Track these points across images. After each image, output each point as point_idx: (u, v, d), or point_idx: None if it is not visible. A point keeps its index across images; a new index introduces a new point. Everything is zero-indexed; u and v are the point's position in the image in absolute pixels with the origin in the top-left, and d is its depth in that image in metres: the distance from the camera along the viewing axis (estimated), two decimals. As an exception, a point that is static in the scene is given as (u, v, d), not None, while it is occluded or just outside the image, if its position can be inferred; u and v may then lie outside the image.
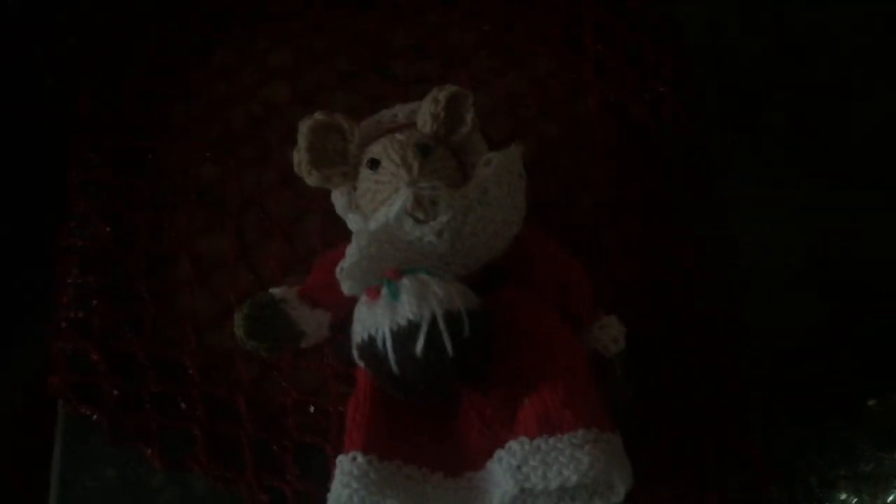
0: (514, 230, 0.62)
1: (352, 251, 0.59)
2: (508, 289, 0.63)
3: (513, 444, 0.57)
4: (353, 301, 0.59)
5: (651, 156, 0.75)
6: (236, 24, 0.80)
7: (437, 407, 0.61)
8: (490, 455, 0.59)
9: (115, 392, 0.66)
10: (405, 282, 0.57)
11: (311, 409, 0.66)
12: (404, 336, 0.55)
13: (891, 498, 0.63)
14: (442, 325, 0.55)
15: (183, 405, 0.66)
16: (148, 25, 0.80)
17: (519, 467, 0.56)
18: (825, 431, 0.73)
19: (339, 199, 0.64)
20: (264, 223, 0.72)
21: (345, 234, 0.62)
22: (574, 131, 0.76)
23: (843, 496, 0.67)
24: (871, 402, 0.71)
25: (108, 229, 0.71)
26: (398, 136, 0.62)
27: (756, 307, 0.74)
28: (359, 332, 0.58)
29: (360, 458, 0.57)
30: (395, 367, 0.56)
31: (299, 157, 0.62)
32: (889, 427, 0.68)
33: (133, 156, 0.74)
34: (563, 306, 0.64)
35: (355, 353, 0.58)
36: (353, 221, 0.63)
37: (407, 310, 0.55)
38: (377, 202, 0.61)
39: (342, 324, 0.62)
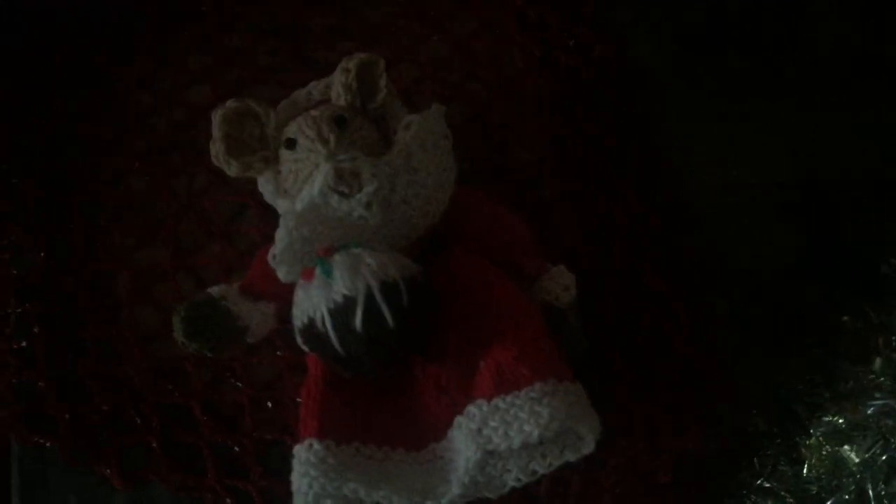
0: (447, 193, 0.61)
1: (280, 235, 0.57)
2: (452, 252, 0.62)
3: (471, 408, 0.55)
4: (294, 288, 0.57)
5: (585, 103, 0.74)
6: (151, 30, 0.78)
7: (392, 381, 0.59)
8: (451, 423, 0.57)
9: (67, 416, 0.64)
10: (337, 258, 0.55)
11: (269, 404, 0.65)
12: (342, 313, 0.54)
13: (870, 411, 0.61)
14: (378, 296, 0.53)
15: (137, 420, 0.64)
16: (64, 41, 0.78)
17: (479, 430, 0.55)
18: (805, 356, 0.72)
19: (265, 186, 0.63)
20: (201, 227, 0.70)
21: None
22: (504, 89, 0.74)
23: (829, 418, 0.66)
24: (845, 318, 0.70)
25: (42, 254, 0.69)
26: (312, 112, 0.60)
27: (722, 241, 0.72)
28: (298, 317, 0.57)
29: (316, 445, 0.55)
30: (338, 346, 0.54)
31: (216, 148, 0.60)
32: (863, 340, 0.67)
33: (61, 176, 0.73)
34: (509, 262, 0.62)
35: (298, 338, 0.57)
36: (282, 207, 0.61)
37: (341, 285, 0.54)
38: (300, 182, 0.59)
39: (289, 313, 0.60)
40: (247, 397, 0.64)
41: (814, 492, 0.65)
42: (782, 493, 0.67)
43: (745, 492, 0.67)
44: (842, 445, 0.63)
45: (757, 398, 0.70)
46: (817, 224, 0.75)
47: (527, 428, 0.54)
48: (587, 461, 0.58)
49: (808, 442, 0.66)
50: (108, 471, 0.62)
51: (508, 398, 0.55)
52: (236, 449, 0.63)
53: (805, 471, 0.66)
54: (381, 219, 0.58)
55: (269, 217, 0.66)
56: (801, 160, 0.76)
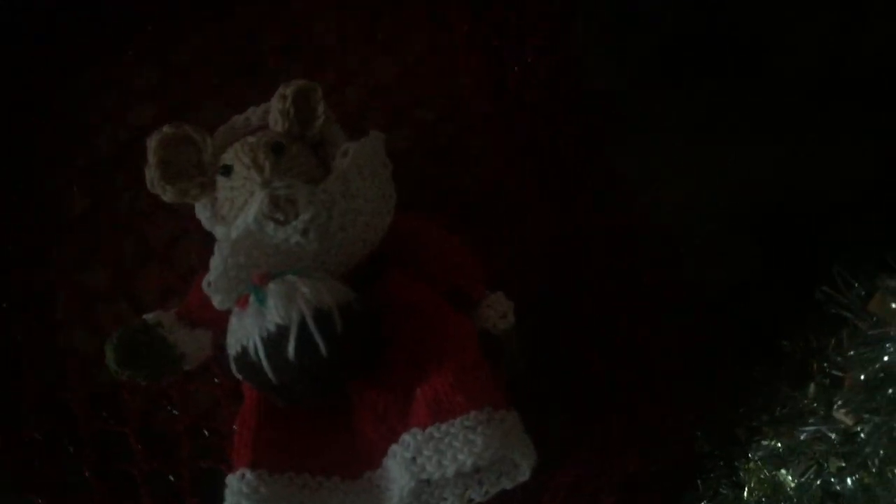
0: (386, 220, 0.61)
1: (215, 263, 0.57)
2: (392, 277, 0.62)
3: (405, 437, 0.55)
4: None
5: (535, 122, 0.74)
6: (95, 47, 0.77)
7: (329, 408, 0.59)
8: (387, 451, 0.57)
9: (-1, 440, 0.63)
10: (271, 286, 0.55)
11: (205, 432, 0.64)
12: (275, 342, 0.53)
13: (803, 436, 0.62)
14: (311, 324, 0.53)
15: (70, 448, 0.63)
16: (6, 57, 0.76)
17: (413, 459, 0.54)
18: (747, 378, 0.72)
19: (202, 213, 0.62)
20: (141, 249, 0.70)
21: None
22: (451, 112, 0.74)
23: (766, 442, 0.66)
24: (784, 343, 0.70)
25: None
26: (249, 138, 0.60)
27: (677, 258, 0.73)
28: (232, 345, 0.56)
29: (248, 475, 0.55)
30: (271, 375, 0.54)
31: (151, 174, 0.59)
32: (800, 364, 0.67)
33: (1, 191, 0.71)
34: (451, 287, 0.62)
35: (233, 366, 0.56)
36: (220, 234, 0.61)
37: (275, 314, 0.53)
38: (236, 209, 0.59)
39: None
40: (183, 425, 0.64)
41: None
42: (722, 514, 0.68)
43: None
44: (779, 469, 0.64)
45: (700, 420, 0.71)
46: (772, 243, 0.76)
47: (461, 457, 0.53)
48: (530, 482, 0.57)
49: (746, 465, 0.66)
50: (40, 501, 0.61)
51: (443, 427, 0.54)
52: (171, 478, 0.62)
53: (745, 494, 0.66)
54: (319, 246, 0.58)
55: (210, 241, 0.65)
56: (758, 178, 0.77)
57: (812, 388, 0.63)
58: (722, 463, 0.70)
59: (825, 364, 0.62)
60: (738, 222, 0.77)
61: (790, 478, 0.64)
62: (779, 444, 0.65)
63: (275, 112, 0.60)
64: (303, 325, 0.53)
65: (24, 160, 0.72)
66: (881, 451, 0.57)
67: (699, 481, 0.69)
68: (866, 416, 0.56)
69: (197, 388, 0.65)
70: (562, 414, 0.67)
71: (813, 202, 0.78)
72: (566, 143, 0.74)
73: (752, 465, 0.66)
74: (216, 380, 0.65)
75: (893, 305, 0.55)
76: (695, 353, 0.71)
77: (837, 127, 0.78)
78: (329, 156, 0.62)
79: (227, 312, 0.57)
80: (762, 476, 0.66)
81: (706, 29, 0.81)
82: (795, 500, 0.63)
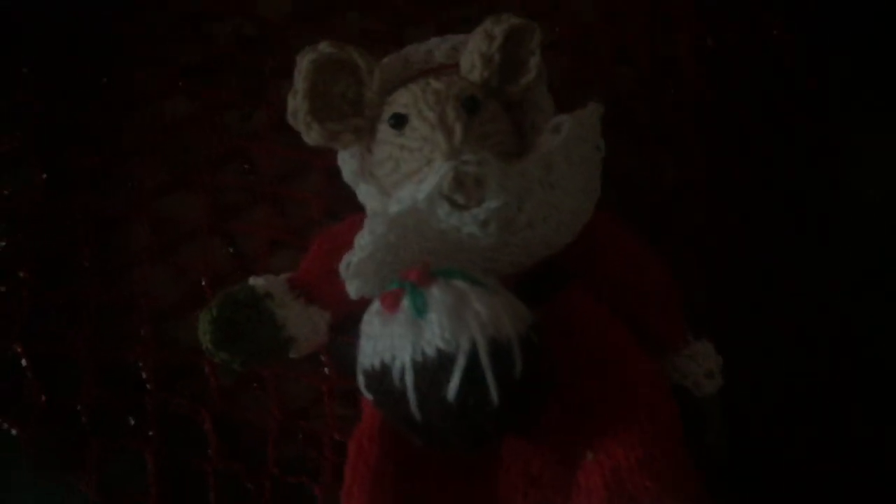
0: (583, 220, 0.48)
1: (363, 242, 0.44)
2: (570, 294, 0.49)
3: (573, 526, 0.42)
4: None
5: (757, 115, 0.58)
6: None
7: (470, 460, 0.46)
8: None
9: (43, 400, 0.51)
10: (435, 292, 0.42)
11: (300, 435, 0.51)
12: (432, 371, 0.41)
13: None
14: (485, 360, 0.40)
15: (131, 420, 0.51)
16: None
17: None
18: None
19: (348, 162, 0.49)
20: (248, 180, 0.56)
21: (353, 203, 0.49)
22: (657, 77, 0.58)
23: None
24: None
25: (42, 175, 0.54)
26: (434, 82, 0.46)
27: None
28: (368, 356, 0.43)
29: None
30: (415, 411, 0.41)
31: (296, 105, 0.46)
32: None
33: (78, 86, 0.57)
34: (640, 322, 0.49)
35: (362, 381, 0.44)
36: (366, 193, 0.49)
37: (437, 334, 0.41)
38: (402, 174, 0.46)
39: (346, 323, 0.48)
40: (274, 421, 0.51)
41: None
42: None
43: None
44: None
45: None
46: None
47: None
48: None
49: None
50: (85, 480, 0.49)
51: (627, 521, 0.42)
52: (250, 486, 0.50)
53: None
54: (496, 242, 0.44)
55: (337, 188, 0.52)
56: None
57: None
58: None
59: None
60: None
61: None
62: None
63: (474, 54, 0.46)
64: (473, 358, 0.40)
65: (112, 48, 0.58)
66: None
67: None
68: None
69: (298, 378, 0.52)
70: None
71: None
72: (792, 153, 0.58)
73: None
74: (326, 370, 0.52)
75: None
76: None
77: None
78: (527, 123, 0.48)
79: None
80: None
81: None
82: None
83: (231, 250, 0.55)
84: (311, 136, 0.46)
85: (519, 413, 0.42)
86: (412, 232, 0.45)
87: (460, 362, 0.40)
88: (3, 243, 0.54)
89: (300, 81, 0.45)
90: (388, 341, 0.42)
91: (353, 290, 0.45)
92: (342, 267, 0.45)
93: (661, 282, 0.50)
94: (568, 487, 0.45)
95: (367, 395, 0.44)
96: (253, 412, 0.51)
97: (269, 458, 0.50)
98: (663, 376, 0.48)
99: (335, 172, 0.50)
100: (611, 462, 0.44)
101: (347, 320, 0.47)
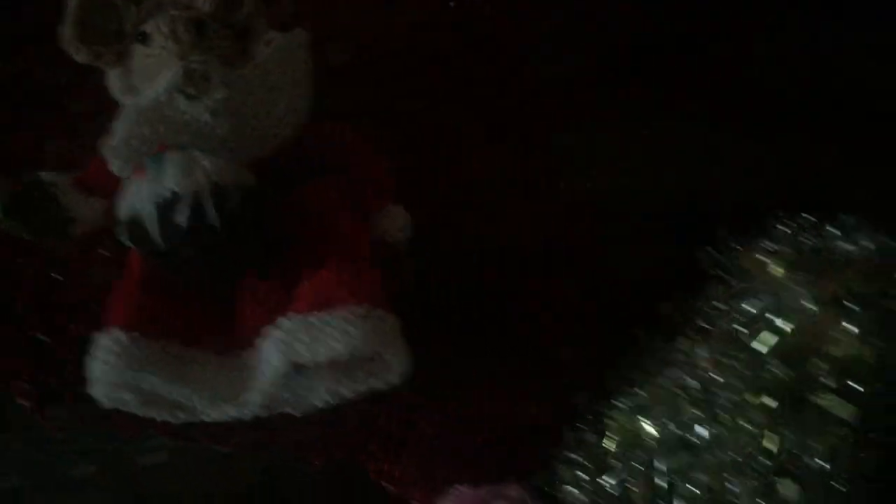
0: (300, 116, 0.62)
1: (118, 127, 0.57)
2: (307, 184, 0.62)
3: (282, 320, 0.56)
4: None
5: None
6: None
7: (213, 291, 0.59)
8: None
9: None
10: (172, 154, 0.55)
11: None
12: (168, 207, 0.54)
13: (666, 385, 0.64)
14: (206, 197, 0.54)
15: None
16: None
17: (288, 342, 0.55)
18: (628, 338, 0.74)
19: (114, 82, 0.62)
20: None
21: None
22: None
23: (632, 391, 0.69)
24: (663, 304, 0.73)
25: None
26: (173, 11, 0.60)
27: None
28: (124, 209, 0.57)
29: (119, 335, 0.55)
30: (160, 240, 0.54)
31: (66, 31, 0.59)
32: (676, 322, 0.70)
33: None
34: (357, 193, 0.63)
35: (121, 230, 0.57)
36: (129, 105, 0.61)
37: (171, 181, 0.54)
38: (148, 79, 0.59)
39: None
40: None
41: (611, 462, 0.68)
42: (586, 462, 0.70)
43: (554, 460, 0.69)
44: (640, 417, 0.67)
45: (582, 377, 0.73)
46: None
47: (335, 345, 0.54)
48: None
49: (611, 414, 0.69)
50: None
51: (323, 314, 0.55)
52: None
53: (605, 441, 0.69)
54: (229, 129, 0.59)
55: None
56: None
57: (681, 340, 0.66)
58: (590, 416, 0.72)
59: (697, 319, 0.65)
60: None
61: (650, 428, 0.66)
62: (643, 393, 0.67)
63: (203, -10, 0.61)
64: (198, 194, 0.54)
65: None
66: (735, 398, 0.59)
67: (570, 432, 0.71)
68: (724, 360, 0.59)
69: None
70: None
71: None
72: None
73: (617, 414, 0.69)
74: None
75: (758, 257, 0.59)
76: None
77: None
78: (252, 46, 0.62)
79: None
80: (625, 425, 0.68)
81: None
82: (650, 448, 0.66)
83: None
84: (80, 56, 0.59)
85: (237, 240, 0.55)
86: (162, 125, 0.57)
87: (188, 198, 0.54)
88: None
89: (69, 14, 0.58)
90: (138, 195, 0.55)
91: (114, 167, 0.57)
92: (105, 149, 0.58)
93: (374, 167, 0.64)
94: (286, 305, 0.57)
95: (127, 242, 0.57)
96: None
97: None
98: (363, 228, 0.61)
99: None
100: (317, 280, 0.56)
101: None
